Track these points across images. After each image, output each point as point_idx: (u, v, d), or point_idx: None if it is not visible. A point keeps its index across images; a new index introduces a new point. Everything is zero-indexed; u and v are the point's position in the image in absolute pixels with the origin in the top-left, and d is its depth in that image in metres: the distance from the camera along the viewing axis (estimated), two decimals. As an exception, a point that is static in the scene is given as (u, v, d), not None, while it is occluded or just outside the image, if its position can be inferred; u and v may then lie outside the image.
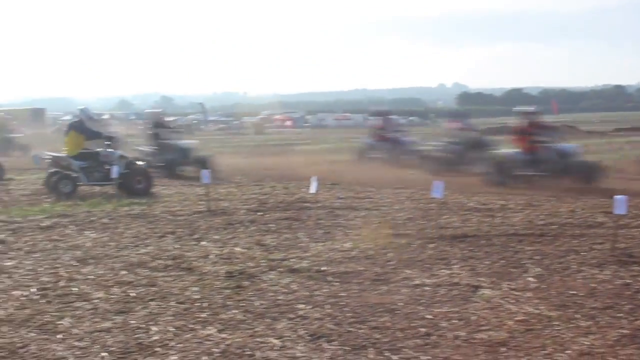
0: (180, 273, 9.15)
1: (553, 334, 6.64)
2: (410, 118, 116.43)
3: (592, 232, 11.87)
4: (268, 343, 6.43)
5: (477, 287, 8.34)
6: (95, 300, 7.85)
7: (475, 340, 6.48)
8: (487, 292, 8.12)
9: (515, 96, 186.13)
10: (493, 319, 7.13)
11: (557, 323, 6.96)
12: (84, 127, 18.52)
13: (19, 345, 6.43)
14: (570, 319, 7.08)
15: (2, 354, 6.21)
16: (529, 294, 8.03)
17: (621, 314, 7.27)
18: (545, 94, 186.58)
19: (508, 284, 8.46)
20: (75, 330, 6.81)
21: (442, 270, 9.22)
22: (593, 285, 8.45)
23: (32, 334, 6.72)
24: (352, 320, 7.12)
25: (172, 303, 7.75)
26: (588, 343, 6.37)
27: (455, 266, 9.48)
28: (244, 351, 6.22)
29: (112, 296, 8.03)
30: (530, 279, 8.76)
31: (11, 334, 6.74)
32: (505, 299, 7.85)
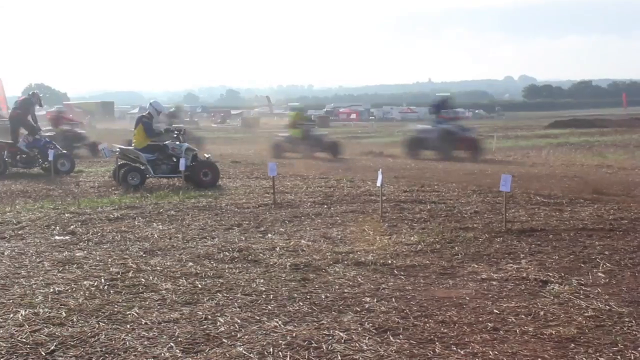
0: (247, 265, 9.20)
1: (624, 331, 6.51)
2: (477, 111, 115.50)
3: (664, 227, 11.62)
4: (334, 336, 6.41)
5: (545, 282, 8.22)
6: (163, 291, 7.93)
7: (543, 336, 6.38)
8: (556, 287, 8.00)
9: (584, 89, 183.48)
10: (562, 314, 7.02)
11: (628, 319, 6.82)
12: (148, 126, 18.66)
13: (89, 334, 6.51)
14: (642, 316, 6.94)
15: (72, 343, 6.30)
16: (598, 290, 7.89)
17: (695, 311, 7.10)
18: (615, 87, 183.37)
19: (577, 279, 8.33)
20: (143, 321, 6.88)
21: (510, 265, 9.11)
22: (665, 281, 8.27)
23: (102, 324, 6.81)
24: (418, 314, 7.07)
25: (239, 295, 7.79)
26: (660, 340, 6.24)
27: (523, 260, 9.36)
28: (310, 343, 6.21)
29: (180, 287, 8.10)
30: (600, 274, 8.60)
31: (81, 323, 6.84)
32: (575, 294, 7.72)
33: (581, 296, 7.65)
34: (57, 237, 11.21)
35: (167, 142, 18.78)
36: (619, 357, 5.87)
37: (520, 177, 19.49)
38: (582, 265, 9.10)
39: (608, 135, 45.64)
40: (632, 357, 5.85)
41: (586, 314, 7.00)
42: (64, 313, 7.12)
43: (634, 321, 6.76)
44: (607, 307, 7.22)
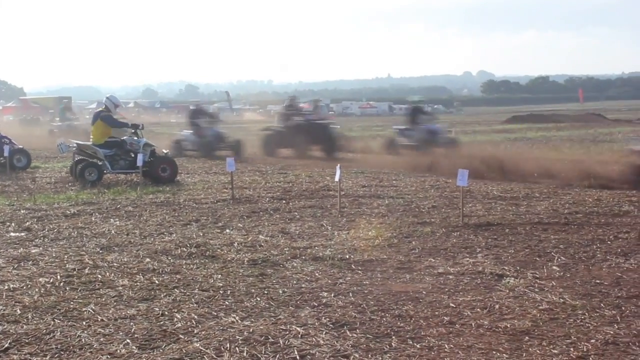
0: (204, 261, 9.18)
1: (577, 323, 6.60)
2: (435, 106, 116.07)
3: (618, 221, 11.78)
4: (291, 331, 6.43)
5: (501, 276, 8.30)
6: (120, 288, 7.89)
7: (498, 329, 6.45)
8: (511, 280, 8.09)
9: (542, 84, 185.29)
10: (517, 307, 7.09)
11: (581, 312, 6.91)
12: (110, 118, 18.59)
13: (44, 331, 6.47)
14: (595, 308, 7.03)
15: (27, 340, 6.25)
16: (553, 283, 7.98)
17: (646, 304, 7.21)
18: (572, 82, 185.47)
19: (532, 273, 8.42)
20: (99, 317, 6.85)
21: (466, 259, 9.18)
22: (618, 274, 8.38)
23: (57, 321, 6.76)
24: (375, 308, 7.11)
25: (196, 290, 7.77)
26: (612, 332, 6.32)
27: (479, 255, 9.45)
28: (267, 338, 6.22)
29: (136, 283, 8.06)
30: (554, 267, 8.71)
31: (36, 320, 6.79)
32: (530, 287, 7.81)
33: (536, 289, 7.73)
34: (12, 234, 11.09)
35: (125, 138, 18.65)
36: (572, 349, 5.95)
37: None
38: (537, 259, 9.20)
39: (565, 130, 46.15)
40: (585, 349, 5.93)
41: (541, 307, 7.08)
42: (18, 310, 7.06)
43: (587, 314, 6.85)
44: (561, 300, 7.31)
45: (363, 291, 7.73)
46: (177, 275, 8.41)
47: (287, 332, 6.39)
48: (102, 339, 6.26)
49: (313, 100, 30.54)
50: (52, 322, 6.72)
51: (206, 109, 31.72)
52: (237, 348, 6.02)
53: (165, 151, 19.42)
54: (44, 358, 5.89)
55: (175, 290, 7.80)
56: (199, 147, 27.81)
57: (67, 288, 7.90)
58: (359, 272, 8.59)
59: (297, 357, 5.83)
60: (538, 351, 5.92)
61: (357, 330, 6.44)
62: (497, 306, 7.13)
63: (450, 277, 8.32)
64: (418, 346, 6.06)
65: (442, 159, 21.31)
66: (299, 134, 27.54)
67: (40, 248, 10.03)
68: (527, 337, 6.24)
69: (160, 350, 6.01)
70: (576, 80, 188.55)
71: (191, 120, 29.09)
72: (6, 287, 7.90)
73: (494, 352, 5.91)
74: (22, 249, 9.98)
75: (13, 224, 11.91)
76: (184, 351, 5.96)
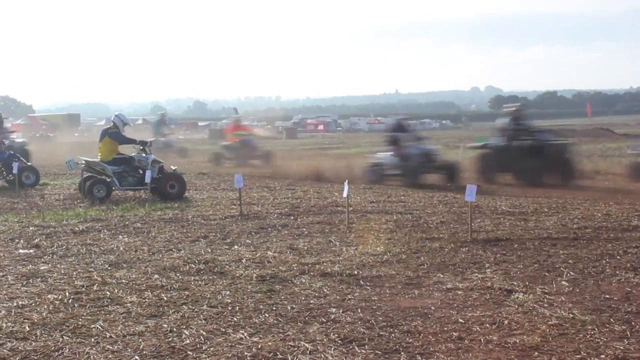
0: (213, 277, 9.17)
1: (587, 339, 6.57)
2: (444, 122, 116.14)
3: (627, 236, 11.74)
4: (299, 347, 6.41)
5: (510, 291, 8.27)
6: (128, 304, 7.89)
7: (508, 345, 6.42)
8: (520, 296, 8.06)
9: (549, 99, 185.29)
10: (526, 323, 7.07)
11: (591, 327, 6.88)
12: (117, 135, 18.69)
13: (52, 348, 6.47)
14: (605, 324, 7.00)
15: (35, 357, 6.25)
16: (562, 298, 7.95)
17: (656, 319, 7.18)
18: (580, 97, 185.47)
19: (541, 288, 8.39)
20: (108, 334, 6.84)
21: (475, 274, 9.16)
22: (628, 289, 8.35)
23: (66, 338, 6.76)
24: (383, 324, 7.09)
25: (204, 307, 7.77)
26: (622, 348, 6.29)
27: (488, 270, 9.42)
28: (276, 355, 6.21)
29: (145, 300, 8.06)
30: (564, 282, 8.68)
31: (45, 337, 6.79)
32: (539, 303, 7.78)
33: (545, 305, 7.71)
34: (21, 251, 11.11)
35: (133, 155, 18.71)
36: (581, 364, 5.93)
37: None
38: (546, 274, 9.17)
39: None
40: (595, 365, 5.91)
41: (550, 323, 7.05)
42: (27, 327, 7.06)
43: (596, 329, 6.82)
44: (571, 315, 7.28)
45: (372, 307, 7.72)
46: (186, 292, 8.41)
47: (296, 348, 6.38)
48: (110, 356, 6.26)
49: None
50: (61, 339, 6.71)
51: (406, 123, 25.27)
52: (245, 364, 6.01)
53: (173, 167, 19.44)
54: (53, 375, 5.90)
55: (184, 306, 7.80)
56: (401, 170, 22.86)
57: (76, 305, 7.90)
58: (368, 287, 8.58)
59: (306, 374, 5.82)
60: (548, 367, 5.90)
61: (366, 346, 6.42)
62: (506, 321, 7.11)
63: (459, 292, 8.30)
64: (427, 362, 6.04)
65: None
66: (529, 155, 21.95)
67: (49, 265, 10.05)
68: (536, 353, 6.22)
69: (169, 366, 6.01)
70: (584, 95, 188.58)
71: (391, 136, 24.07)
72: (15, 304, 7.91)
73: (504, 368, 5.89)
74: (30, 265, 9.99)
75: (22, 240, 11.93)
76: (193, 368, 5.96)
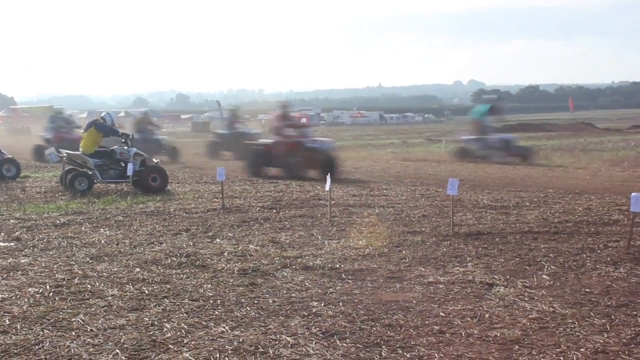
0: (194, 270, 9.16)
1: (567, 332, 6.60)
2: (426, 115, 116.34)
3: (608, 230, 11.82)
4: (281, 340, 6.42)
5: (491, 285, 8.31)
6: (109, 298, 7.87)
7: (488, 338, 6.45)
8: (501, 289, 8.09)
9: (532, 93, 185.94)
10: (507, 316, 7.10)
11: (571, 321, 6.92)
12: (103, 126, 18.64)
13: (33, 342, 6.44)
14: (585, 317, 7.04)
15: (16, 351, 6.22)
16: (543, 292, 7.99)
17: (636, 312, 7.21)
18: (562, 91, 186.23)
19: (522, 282, 8.43)
20: (89, 327, 6.82)
21: (456, 268, 9.19)
22: (608, 283, 8.40)
23: (46, 331, 6.73)
24: (365, 318, 7.11)
25: (186, 300, 7.75)
26: (602, 341, 6.33)
27: (469, 264, 9.45)
28: (257, 348, 6.21)
29: (126, 293, 8.04)
30: (544, 276, 8.72)
31: (25, 330, 6.76)
32: (520, 296, 7.81)
33: (526, 298, 7.74)
34: (1, 244, 11.05)
35: (114, 147, 18.65)
36: (562, 358, 5.96)
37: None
38: (527, 267, 9.21)
39: (555, 139, 46.29)
40: (575, 358, 5.94)
41: (530, 316, 7.09)
42: (7, 321, 7.03)
43: (577, 322, 6.86)
44: (551, 309, 7.32)
45: (353, 300, 7.73)
46: (167, 285, 8.39)
47: (277, 342, 6.38)
48: (91, 349, 6.24)
49: None
50: (41, 333, 6.69)
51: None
52: (226, 358, 6.00)
53: (155, 160, 19.38)
54: (33, 369, 5.87)
55: (165, 300, 7.78)
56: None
57: (57, 298, 7.87)
58: (349, 281, 8.59)
59: (287, 367, 5.82)
60: (528, 360, 5.93)
61: (347, 340, 6.43)
62: (487, 315, 7.13)
63: (441, 286, 8.32)
64: (408, 355, 6.06)
65: None
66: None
67: (30, 258, 10.00)
68: (517, 346, 6.24)
69: (150, 360, 6.00)
70: (566, 89, 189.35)
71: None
72: (-5, 298, 7.88)
73: (484, 362, 5.91)
74: (11, 259, 9.94)
75: (2, 233, 11.87)
76: (174, 361, 5.95)
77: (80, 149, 18.65)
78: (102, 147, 18.61)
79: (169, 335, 6.60)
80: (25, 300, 7.78)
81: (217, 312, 7.31)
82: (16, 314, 7.27)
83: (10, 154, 22.96)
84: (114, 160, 18.37)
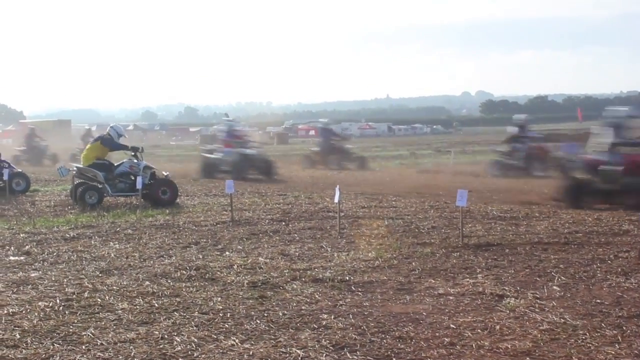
0: (204, 283, 9.16)
1: (578, 344, 6.58)
2: (435, 126, 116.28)
3: (618, 240, 11.77)
4: (291, 353, 6.41)
5: (501, 296, 8.28)
6: (119, 311, 7.87)
7: (499, 350, 6.43)
8: (511, 301, 8.07)
9: (540, 103, 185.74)
10: (517, 328, 7.08)
11: (582, 332, 6.89)
12: (110, 141, 18.69)
13: (43, 356, 6.45)
14: (596, 328, 7.01)
15: (26, 365, 6.23)
16: (554, 303, 7.96)
17: (648, 323, 7.19)
18: (570, 102, 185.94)
19: (533, 293, 8.40)
20: (99, 341, 6.83)
21: (466, 280, 9.17)
22: (619, 293, 8.37)
23: (57, 345, 6.74)
24: (375, 330, 7.09)
25: (196, 313, 7.75)
26: (614, 352, 6.31)
27: (479, 275, 9.43)
28: (267, 361, 6.20)
29: (136, 307, 8.04)
30: (555, 287, 8.69)
31: (35, 344, 6.76)
32: (530, 308, 7.79)
33: (536, 310, 7.72)
34: (11, 258, 11.08)
35: (124, 161, 18.70)
36: (573, 369, 5.93)
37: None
38: (537, 279, 9.19)
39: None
40: (586, 370, 5.91)
41: (541, 328, 7.06)
42: (17, 335, 7.04)
43: (588, 334, 6.83)
44: (562, 320, 7.29)
45: (363, 313, 7.71)
46: (177, 298, 8.39)
47: (288, 355, 6.37)
48: (101, 363, 6.24)
49: None
50: (52, 347, 6.70)
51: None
52: (237, 371, 5.99)
53: (165, 173, 19.41)
54: (43, 383, 5.87)
55: (175, 313, 7.78)
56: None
57: (67, 312, 7.88)
58: (359, 293, 8.57)
59: (298, 380, 5.81)
60: (539, 372, 5.90)
61: (358, 352, 6.42)
62: (497, 327, 7.11)
63: (451, 298, 8.30)
64: (419, 368, 6.04)
65: None
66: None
67: (40, 272, 10.02)
68: (528, 358, 6.23)
69: (160, 374, 5.99)
70: (574, 99, 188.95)
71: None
72: (5, 312, 7.88)
73: (495, 374, 5.89)
74: (21, 273, 9.96)
75: (12, 247, 11.90)
76: (184, 375, 5.94)
77: (81, 162, 18.71)
78: (100, 159, 18.57)
79: (179, 348, 6.59)
80: (36, 314, 7.79)
81: (227, 325, 7.30)
82: (26, 328, 7.27)
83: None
84: (112, 175, 18.34)
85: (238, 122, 32.58)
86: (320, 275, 9.43)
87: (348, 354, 6.38)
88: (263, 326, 7.26)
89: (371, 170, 32.20)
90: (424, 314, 7.65)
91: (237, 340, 6.78)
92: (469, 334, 6.92)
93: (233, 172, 26.47)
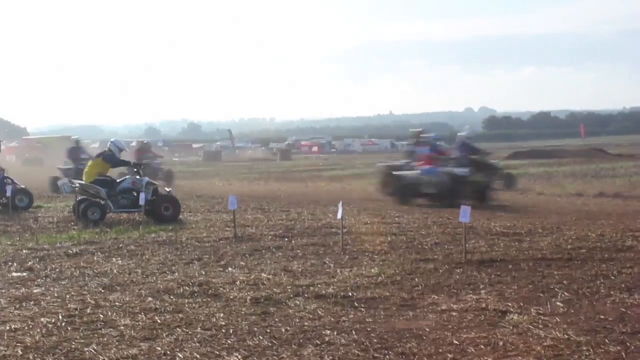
0: (207, 299, 9.15)
1: (582, 360, 6.56)
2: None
3: (622, 256, 11.75)
4: (294, 369, 6.39)
5: (504, 312, 8.26)
6: (122, 327, 7.86)
7: (503, 366, 6.41)
8: (515, 317, 8.05)
9: (543, 119, 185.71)
10: (521, 344, 7.06)
11: (586, 348, 6.87)
12: (111, 157, 18.74)
13: (45, 372, 6.44)
14: (600, 344, 6.99)
15: (28, 381, 6.22)
16: (557, 319, 7.94)
17: (651, 339, 7.17)
18: (573, 117, 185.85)
19: (536, 309, 8.38)
20: (101, 357, 6.82)
21: (470, 296, 9.15)
22: (622, 309, 8.35)
23: (59, 361, 6.73)
24: (378, 346, 7.08)
25: (198, 329, 7.74)
26: (618, 369, 6.29)
27: (482, 291, 9.42)
28: (270, 378, 6.19)
29: (139, 323, 8.03)
30: (558, 303, 8.67)
31: (38, 361, 6.76)
32: (534, 324, 7.77)
33: (540, 326, 7.70)
34: (14, 274, 11.08)
35: (127, 177, 18.72)
36: (577, 386, 5.91)
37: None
38: (540, 295, 9.17)
39: (566, 165, 46.14)
40: (590, 386, 5.89)
41: (545, 344, 7.04)
42: (20, 351, 7.04)
43: (591, 350, 6.81)
44: (566, 336, 7.27)
45: (366, 329, 7.70)
46: (180, 314, 8.38)
47: (290, 371, 6.36)
48: (103, 380, 6.23)
49: None
50: (54, 363, 6.68)
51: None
52: (239, 387, 5.98)
53: (167, 189, 19.43)
54: (45, 399, 5.86)
55: (178, 329, 7.77)
56: None
57: (69, 328, 7.87)
58: (362, 309, 8.56)
59: (300, 397, 5.80)
60: (543, 388, 5.88)
61: (361, 369, 6.40)
62: (501, 343, 7.10)
63: (454, 313, 8.28)
64: (422, 384, 6.02)
65: None
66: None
67: (42, 288, 10.01)
68: (531, 374, 6.20)
69: (162, 390, 5.98)
70: (577, 116, 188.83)
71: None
72: (8, 328, 7.88)
73: (499, 390, 5.87)
74: (24, 289, 9.96)
75: (15, 264, 11.90)
76: (186, 391, 5.93)
77: (83, 178, 18.73)
78: (103, 175, 18.60)
79: (182, 364, 6.58)
80: (38, 330, 7.78)
81: (229, 342, 7.29)
82: (29, 344, 7.27)
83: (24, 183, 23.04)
84: (114, 190, 18.36)
85: (437, 136, 26.91)
86: (323, 292, 9.41)
87: (351, 370, 6.36)
88: (266, 342, 7.25)
89: (520, 190, 27.86)
90: (427, 330, 7.63)
91: (239, 357, 6.78)
92: (472, 350, 6.91)
93: (441, 196, 22.36)
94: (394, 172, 24.62)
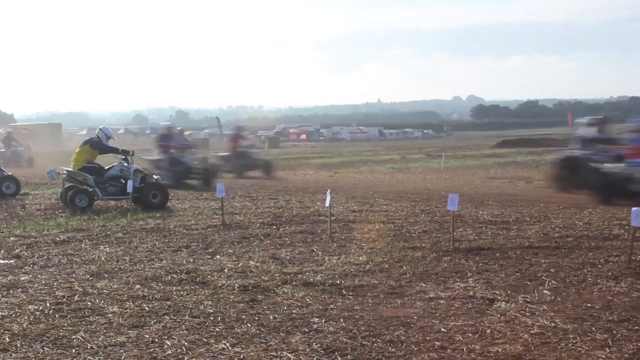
0: (195, 287, 9.15)
1: (569, 348, 6.59)
2: (425, 131, 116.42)
3: (608, 245, 11.80)
4: (282, 357, 6.41)
5: (492, 300, 8.29)
6: (110, 315, 7.85)
7: (490, 354, 6.43)
8: (502, 305, 8.07)
9: (531, 108, 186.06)
10: (508, 332, 7.08)
11: (572, 336, 6.90)
12: (99, 144, 18.67)
13: (33, 359, 6.43)
14: (586, 332, 7.02)
15: (16, 369, 6.21)
16: (544, 307, 7.98)
17: (638, 327, 7.20)
18: (561, 106, 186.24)
19: (523, 297, 8.41)
20: (89, 345, 6.81)
21: (457, 284, 9.18)
22: (609, 298, 8.38)
23: (47, 349, 6.72)
24: (366, 334, 7.09)
25: (186, 317, 7.74)
26: (604, 356, 6.32)
27: (470, 279, 9.44)
28: (258, 365, 6.19)
29: (126, 310, 8.02)
30: (545, 291, 8.70)
31: (25, 348, 6.75)
32: (521, 312, 7.80)
33: (527, 314, 7.73)
34: (1, 261, 11.04)
35: (115, 164, 18.67)
36: (563, 373, 5.94)
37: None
38: (528, 283, 9.20)
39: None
40: (577, 374, 5.92)
41: (532, 331, 7.07)
42: (7, 338, 7.02)
43: (578, 337, 6.84)
44: (553, 324, 7.30)
45: (354, 316, 7.71)
46: (168, 302, 8.38)
47: (278, 359, 6.37)
48: (91, 367, 6.22)
49: None
50: (42, 350, 6.68)
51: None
52: (227, 375, 5.98)
53: (155, 177, 19.39)
54: (33, 386, 5.85)
55: (166, 317, 7.77)
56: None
57: (57, 315, 7.86)
58: (350, 297, 8.57)
59: (288, 384, 5.80)
60: (530, 376, 5.91)
61: (348, 356, 6.42)
62: (488, 331, 7.12)
63: (442, 301, 8.31)
64: (409, 372, 6.04)
65: None
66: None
67: (30, 275, 9.99)
68: (518, 362, 6.23)
69: (150, 377, 5.98)
70: (565, 104, 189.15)
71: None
72: (-5, 315, 7.86)
73: (486, 377, 5.89)
74: (11, 276, 9.93)
75: (2, 251, 11.86)
76: (174, 378, 5.92)
77: (71, 165, 18.65)
78: (90, 163, 18.54)
79: (170, 352, 6.59)
80: (25, 317, 7.76)
81: (217, 329, 7.29)
82: (16, 331, 7.25)
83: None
84: (102, 178, 18.30)
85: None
86: (311, 279, 9.42)
87: (339, 358, 6.38)
88: (254, 330, 7.25)
89: None
90: (415, 317, 7.65)
91: (227, 344, 6.78)
92: (460, 337, 6.93)
93: None
94: (592, 165, 19.55)
